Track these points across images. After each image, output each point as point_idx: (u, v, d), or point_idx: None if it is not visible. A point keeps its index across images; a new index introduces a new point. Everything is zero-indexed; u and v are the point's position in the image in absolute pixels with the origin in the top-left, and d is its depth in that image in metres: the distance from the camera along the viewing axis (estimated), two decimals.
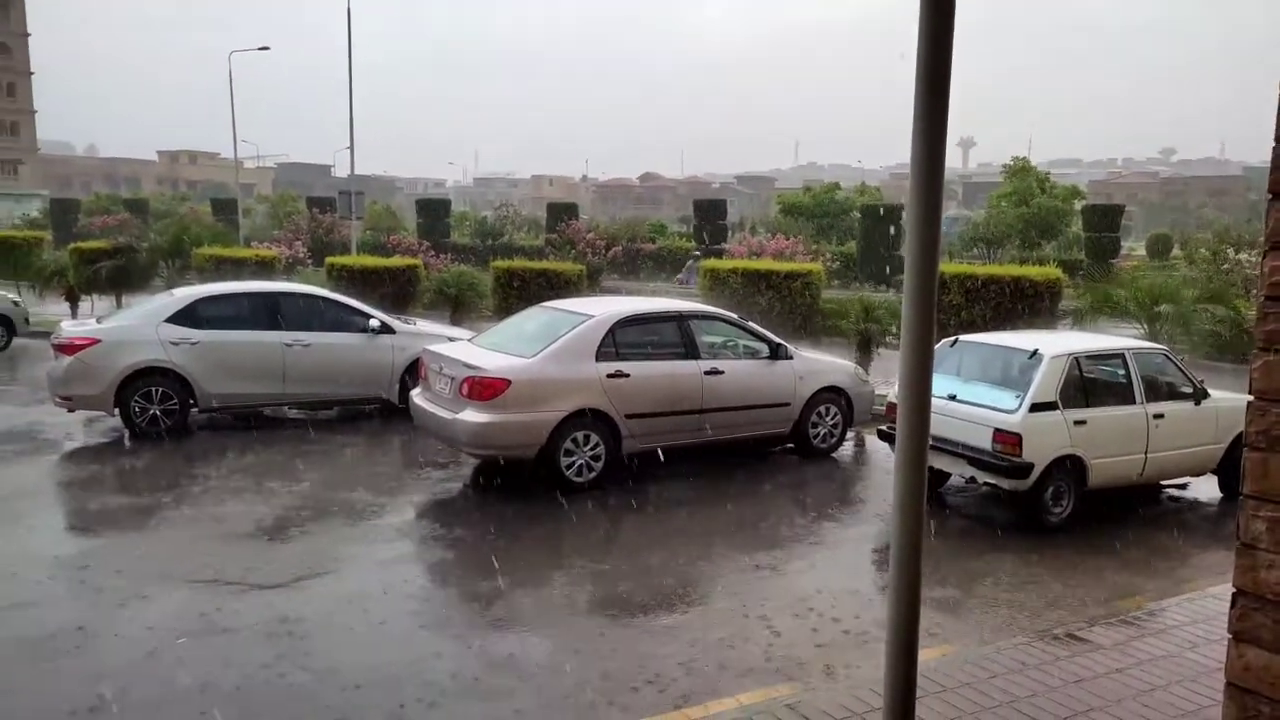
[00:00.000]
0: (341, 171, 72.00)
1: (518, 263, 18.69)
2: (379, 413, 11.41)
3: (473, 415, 7.93)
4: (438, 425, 8.41)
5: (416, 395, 8.97)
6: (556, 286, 16.43)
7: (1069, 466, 7.50)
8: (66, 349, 9.82)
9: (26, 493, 8.19)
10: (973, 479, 7.82)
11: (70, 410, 10.11)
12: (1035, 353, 7.56)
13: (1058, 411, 7.37)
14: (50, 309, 19.22)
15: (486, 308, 17.75)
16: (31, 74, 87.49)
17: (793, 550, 7.10)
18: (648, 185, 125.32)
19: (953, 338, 8.41)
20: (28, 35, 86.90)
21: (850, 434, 10.25)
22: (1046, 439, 7.34)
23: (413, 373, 10.38)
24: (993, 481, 7.59)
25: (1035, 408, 7.30)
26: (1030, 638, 5.37)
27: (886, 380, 11.84)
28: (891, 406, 8.52)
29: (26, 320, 16.76)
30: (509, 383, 7.95)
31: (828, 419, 9.78)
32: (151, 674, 4.83)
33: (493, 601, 5.94)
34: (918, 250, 2.52)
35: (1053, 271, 14.01)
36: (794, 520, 7.97)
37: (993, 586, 6.44)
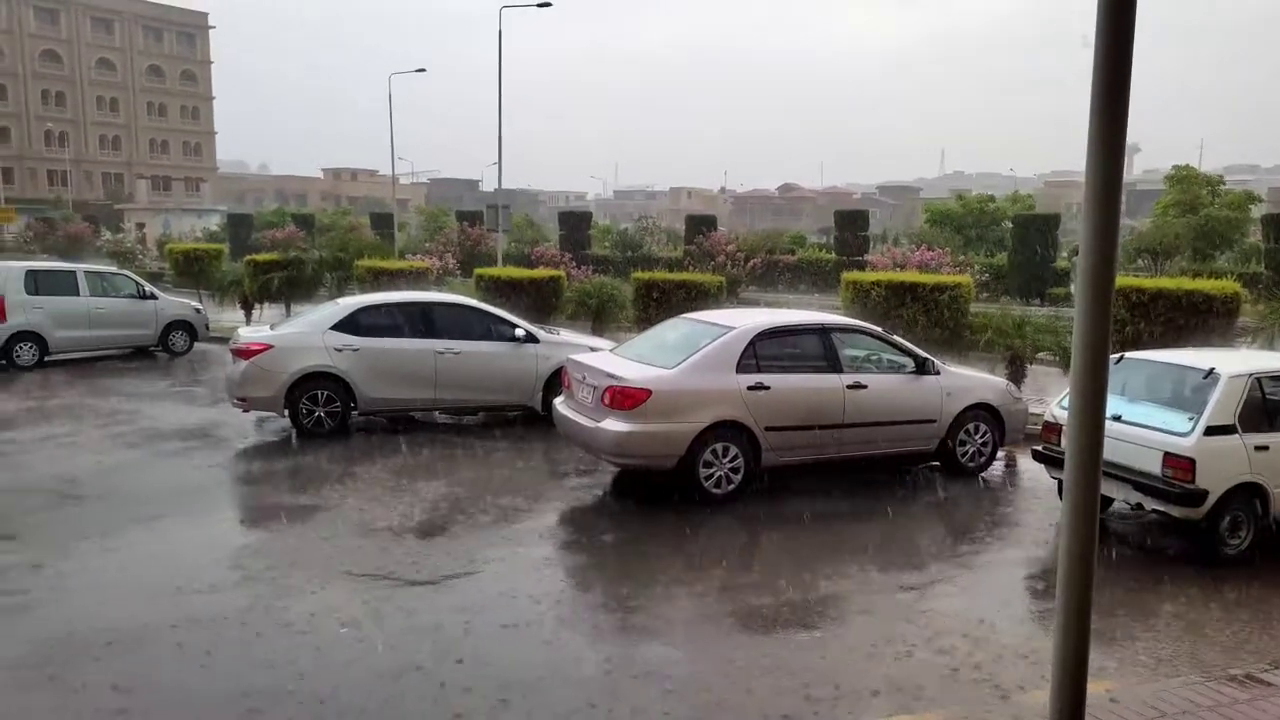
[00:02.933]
0: (489, 186, 74.77)
1: (658, 274, 18.83)
2: (522, 419, 11.75)
3: (614, 424, 8.06)
4: (580, 433, 8.58)
5: (560, 403, 9.19)
6: (696, 298, 16.45)
7: (1248, 495, 6.94)
8: (243, 354, 10.59)
9: (204, 486, 8.86)
10: (1139, 505, 7.35)
11: (245, 410, 10.89)
12: (1211, 371, 7.05)
13: (1236, 435, 6.84)
14: (227, 316, 20.75)
15: (626, 318, 17.97)
16: (213, 98, 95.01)
17: (939, 572, 6.86)
18: (786, 196, 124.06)
19: (1118, 354, 7.93)
20: (210, 63, 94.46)
21: (1001, 454, 9.83)
22: (1223, 465, 6.82)
23: (555, 381, 10.64)
24: (1162, 509, 7.11)
25: (1210, 431, 6.80)
26: (1203, 677, 5.00)
27: (1040, 398, 11.31)
28: (1049, 426, 8.11)
29: (207, 326, 18.17)
30: (650, 393, 8.03)
31: (977, 437, 9.40)
32: (315, 661, 5.13)
33: (633, 609, 6.01)
34: (1093, 263, 2.41)
35: (1230, 285, 12.98)
36: (940, 541, 7.70)
37: (1161, 620, 6.03)
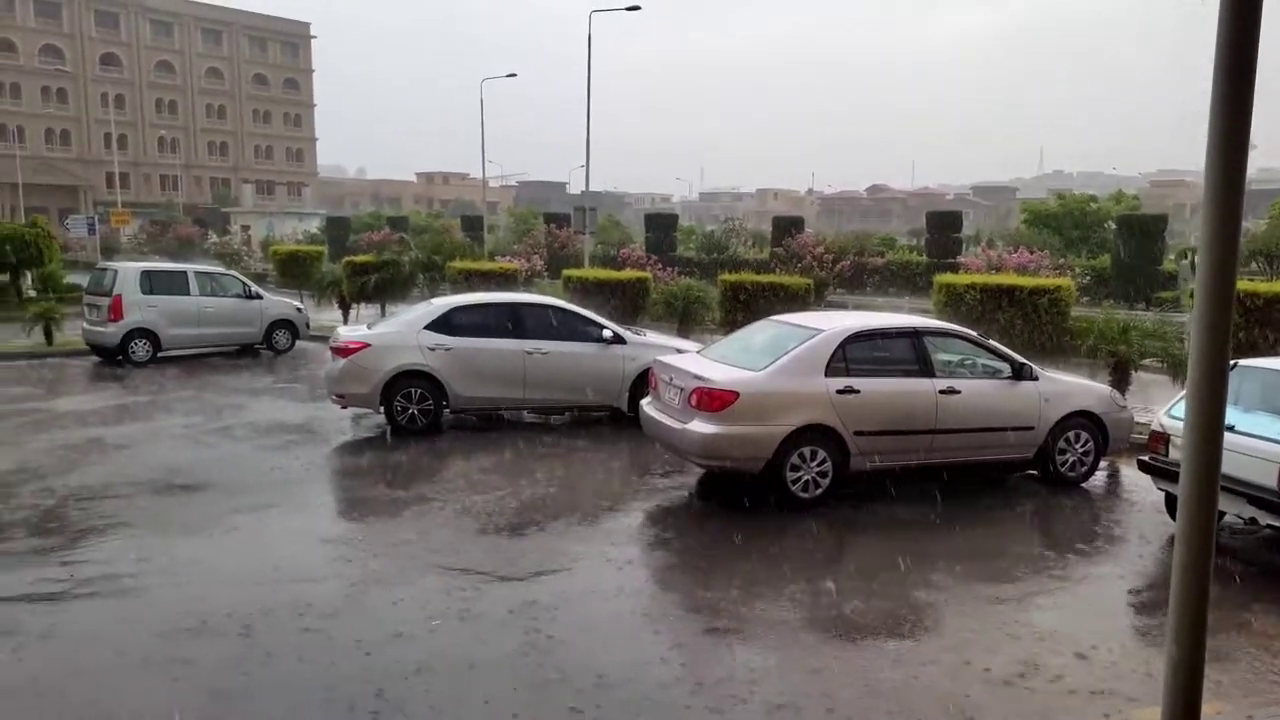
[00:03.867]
0: (576, 188, 75.48)
1: (745, 276, 18.74)
2: (609, 420, 11.84)
3: (701, 426, 8.05)
4: (666, 434, 8.60)
5: (646, 404, 9.23)
6: (783, 300, 16.33)
7: None
8: (342, 352, 10.95)
9: (304, 479, 9.19)
10: (1253, 520, 6.99)
11: (343, 407, 11.27)
12: None
13: None
14: (326, 316, 21.49)
15: (712, 320, 17.94)
16: (314, 105, 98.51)
17: (1035, 584, 6.64)
18: (875, 197, 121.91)
19: (1231, 362, 7.55)
20: (312, 71, 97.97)
21: (1104, 463, 9.47)
22: None
23: (642, 382, 10.69)
24: (1278, 524, 6.74)
25: None
26: None
27: (1146, 407, 10.85)
28: (1156, 436, 7.78)
29: (307, 325, 18.85)
30: (737, 395, 8.00)
31: (1077, 446, 9.07)
32: (405, 651, 5.28)
33: (717, 611, 5.99)
34: (1213, 265, 2.30)
35: None
36: (1038, 553, 7.46)
37: (1274, 641, 5.71)
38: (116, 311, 16.25)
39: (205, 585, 6.26)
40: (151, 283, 16.85)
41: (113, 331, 16.26)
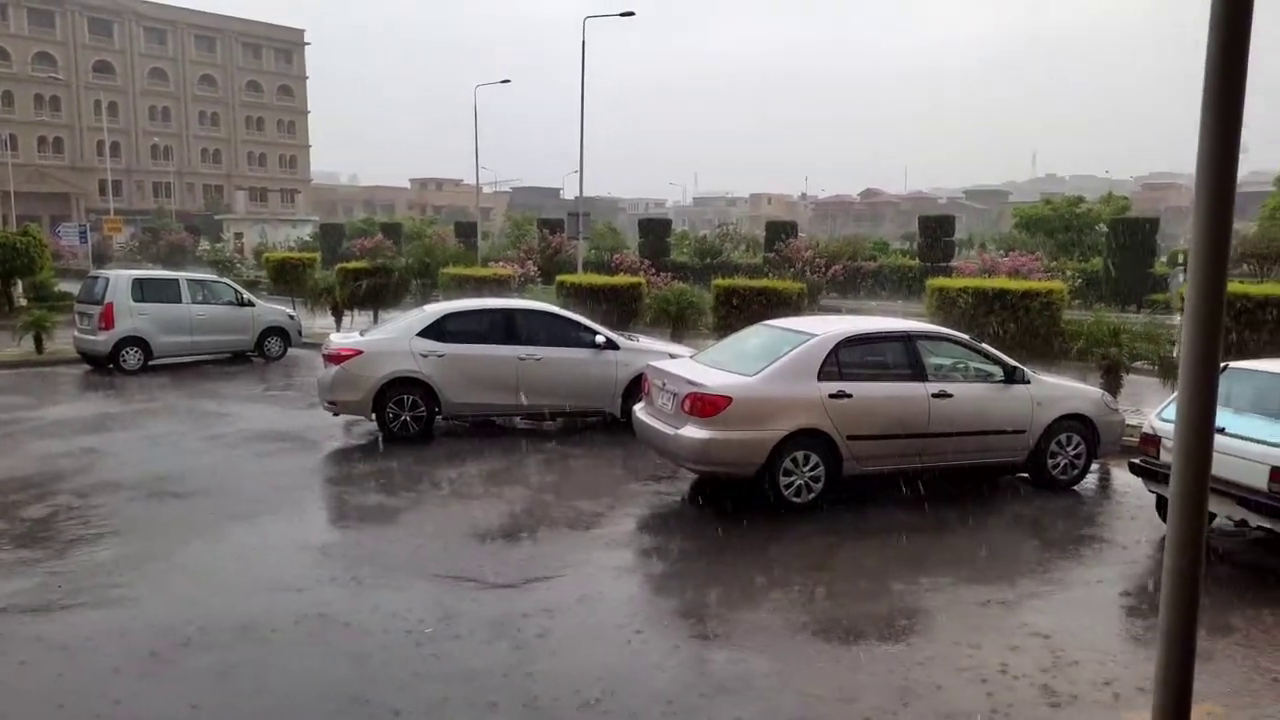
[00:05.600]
0: (570, 194, 75.63)
1: (738, 281, 18.74)
2: (602, 425, 11.83)
3: (694, 431, 8.05)
4: (659, 440, 8.59)
5: (639, 410, 9.22)
6: (776, 305, 16.32)
7: None
8: (334, 359, 10.92)
9: (296, 486, 9.16)
10: (1244, 522, 7.01)
11: (335, 414, 11.24)
12: None
13: None
14: (319, 322, 21.45)
15: (706, 325, 17.94)
16: (308, 112, 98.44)
17: (1026, 587, 6.64)
18: (869, 202, 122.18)
19: (1222, 364, 7.58)
20: (306, 78, 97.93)
21: (1095, 466, 9.48)
22: None
23: (635, 388, 10.68)
24: (1268, 525, 6.76)
25: None
26: None
27: (1137, 409, 10.87)
28: (1146, 438, 7.80)
29: (299, 332, 18.82)
30: (730, 400, 8.00)
31: (1069, 449, 9.09)
32: (397, 659, 5.26)
33: (710, 617, 5.98)
34: (1203, 267, 2.30)
35: None
36: (1029, 555, 7.46)
37: (1263, 642, 5.72)
38: (108, 319, 16.21)
39: (196, 594, 6.23)
40: (143, 290, 16.81)
41: (104, 340, 16.22)
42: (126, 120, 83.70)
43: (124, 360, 16.30)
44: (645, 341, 12.56)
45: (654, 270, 25.65)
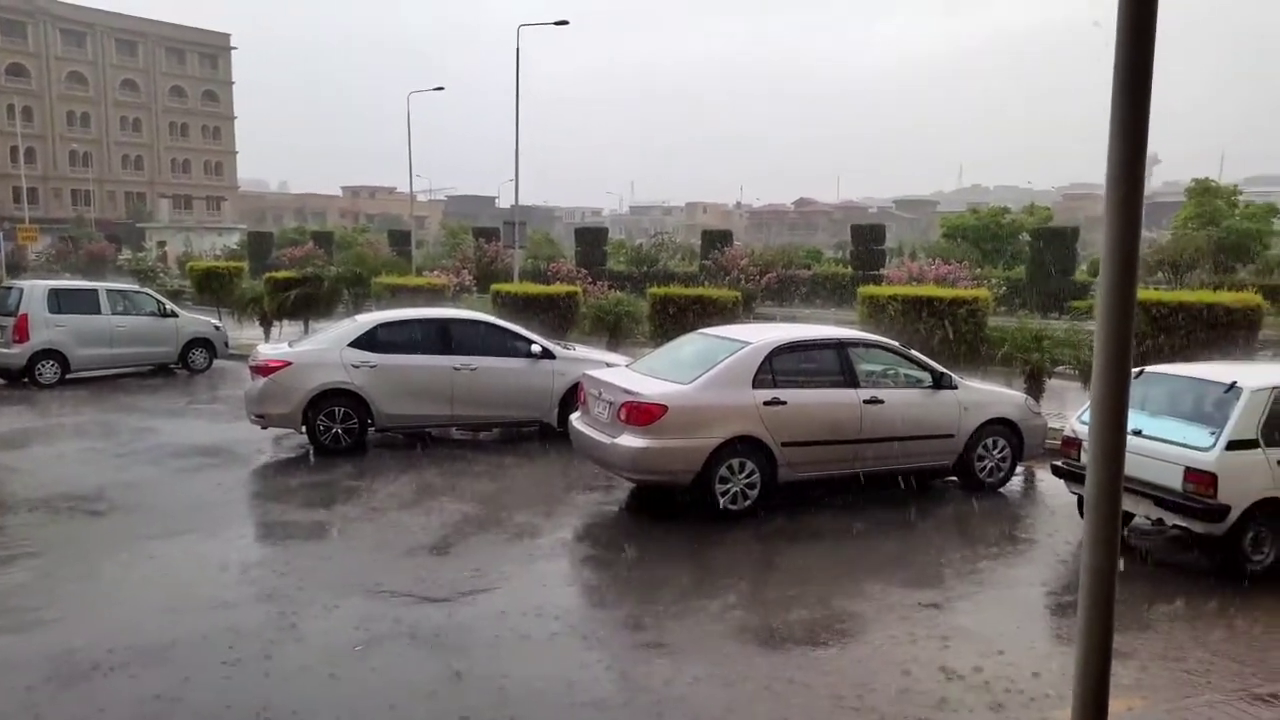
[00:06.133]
0: (505, 202, 75.20)
1: (674, 289, 18.81)
2: (538, 435, 11.76)
3: (630, 440, 8.05)
4: (596, 449, 8.58)
5: (576, 419, 9.19)
6: (711, 313, 16.42)
7: (1272, 510, 6.84)
8: (262, 370, 10.66)
9: (222, 503, 8.90)
10: (1160, 521, 7.27)
11: (264, 427, 10.95)
12: (1233, 385, 6.97)
13: (1259, 450, 6.76)
14: (246, 333, 20.92)
15: (642, 334, 17.98)
16: (234, 118, 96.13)
17: (957, 589, 6.79)
18: (802, 211, 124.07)
19: (1139, 369, 7.87)
20: (232, 83, 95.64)
21: (1020, 469, 9.75)
22: (1245, 480, 6.74)
23: (572, 397, 10.65)
24: (1183, 524, 7.03)
25: (1233, 445, 6.72)
26: (1227, 695, 4.93)
27: (1059, 413, 11.22)
28: (1068, 441, 8.05)
29: (226, 344, 18.32)
30: (666, 408, 8.02)
31: (995, 452, 9.33)
32: (330, 679, 5.14)
33: (647, 625, 5.98)
34: (1114, 275, 2.39)
35: (1252, 297, 12.83)
36: (958, 557, 7.63)
37: (1182, 637, 5.94)
38: (22, 332, 15.57)
39: (114, 615, 6.00)
40: (60, 301, 16.19)
41: (18, 353, 15.57)
42: (42, 125, 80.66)
43: (39, 374, 15.67)
44: (581, 350, 12.54)
45: (590, 279, 25.63)
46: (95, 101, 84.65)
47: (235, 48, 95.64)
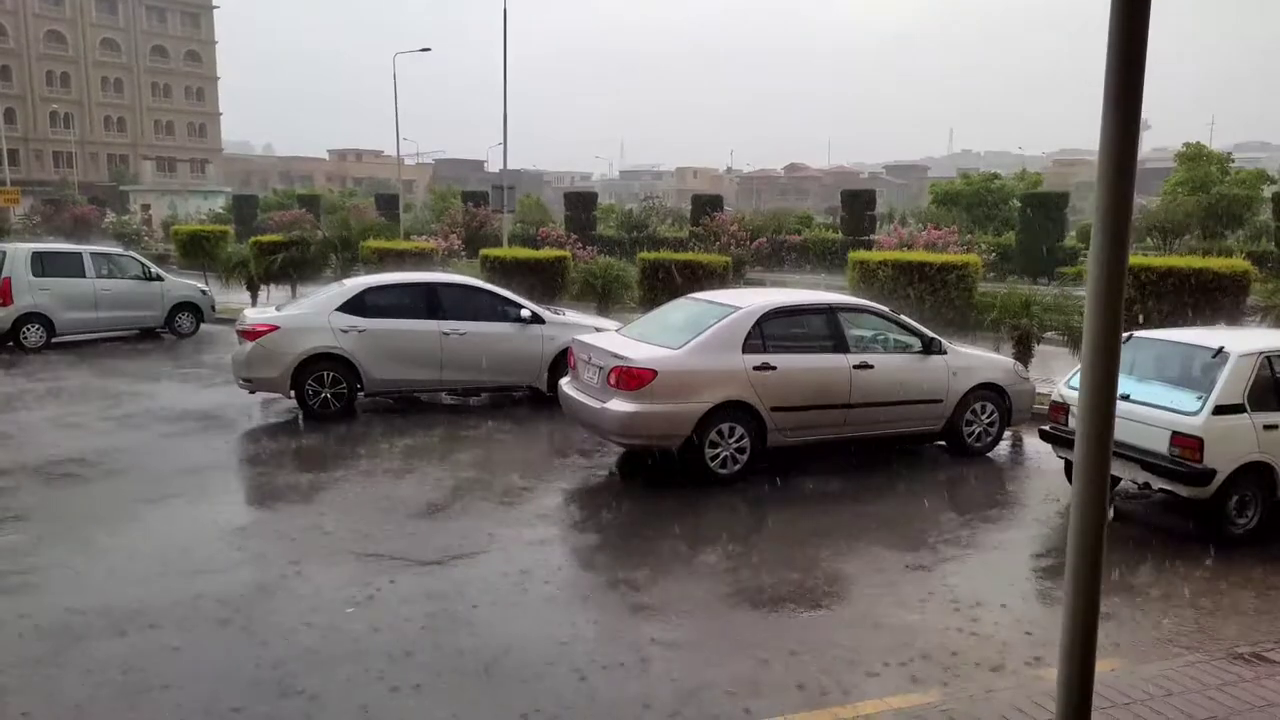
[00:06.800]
0: (494, 166, 74.46)
1: (663, 254, 18.78)
2: (528, 400, 11.76)
3: (620, 405, 8.05)
4: (585, 414, 8.57)
5: (565, 384, 9.18)
6: (701, 278, 16.43)
7: (1257, 475, 6.91)
8: (249, 335, 10.58)
9: (210, 467, 8.88)
10: (1146, 485, 7.33)
11: (251, 392, 10.91)
12: (1220, 350, 7.00)
13: (1245, 415, 6.81)
14: (233, 298, 20.76)
15: (632, 299, 17.95)
16: (217, 79, 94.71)
17: (945, 552, 6.85)
18: (793, 176, 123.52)
19: (1127, 333, 7.89)
20: (215, 43, 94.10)
21: (1007, 433, 9.81)
22: (1231, 444, 6.79)
23: (561, 362, 10.63)
24: (1169, 488, 7.09)
25: (1219, 410, 6.77)
26: (1210, 655, 5.00)
27: (1047, 378, 11.27)
28: (1055, 406, 8.09)
29: (213, 308, 18.18)
30: (655, 373, 8.01)
31: (983, 417, 9.38)
32: (322, 641, 5.16)
33: (637, 588, 6.02)
34: (1105, 240, 2.37)
35: (1240, 263, 12.89)
36: (946, 521, 7.69)
37: (1167, 599, 6.02)
38: (5, 295, 15.42)
39: (103, 579, 6.00)
40: (44, 265, 16.02)
41: (2, 316, 15.43)
42: (21, 85, 79.37)
43: (25, 338, 15.56)
44: (571, 315, 12.50)
45: (580, 244, 25.52)
46: (75, 61, 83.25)
47: (217, 6, 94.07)
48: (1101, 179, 2.43)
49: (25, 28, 79.38)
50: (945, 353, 9.23)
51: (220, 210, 54.63)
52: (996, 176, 46.60)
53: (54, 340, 15.88)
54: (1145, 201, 45.32)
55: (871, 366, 8.77)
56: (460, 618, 5.47)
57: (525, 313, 11.41)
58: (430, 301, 11.23)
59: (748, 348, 8.35)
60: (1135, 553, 6.81)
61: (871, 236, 34.09)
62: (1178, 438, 6.86)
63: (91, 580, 6.00)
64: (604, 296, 18.05)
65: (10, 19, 78.89)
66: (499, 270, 17.95)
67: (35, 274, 15.75)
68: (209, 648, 5.06)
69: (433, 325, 11.01)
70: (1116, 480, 7.70)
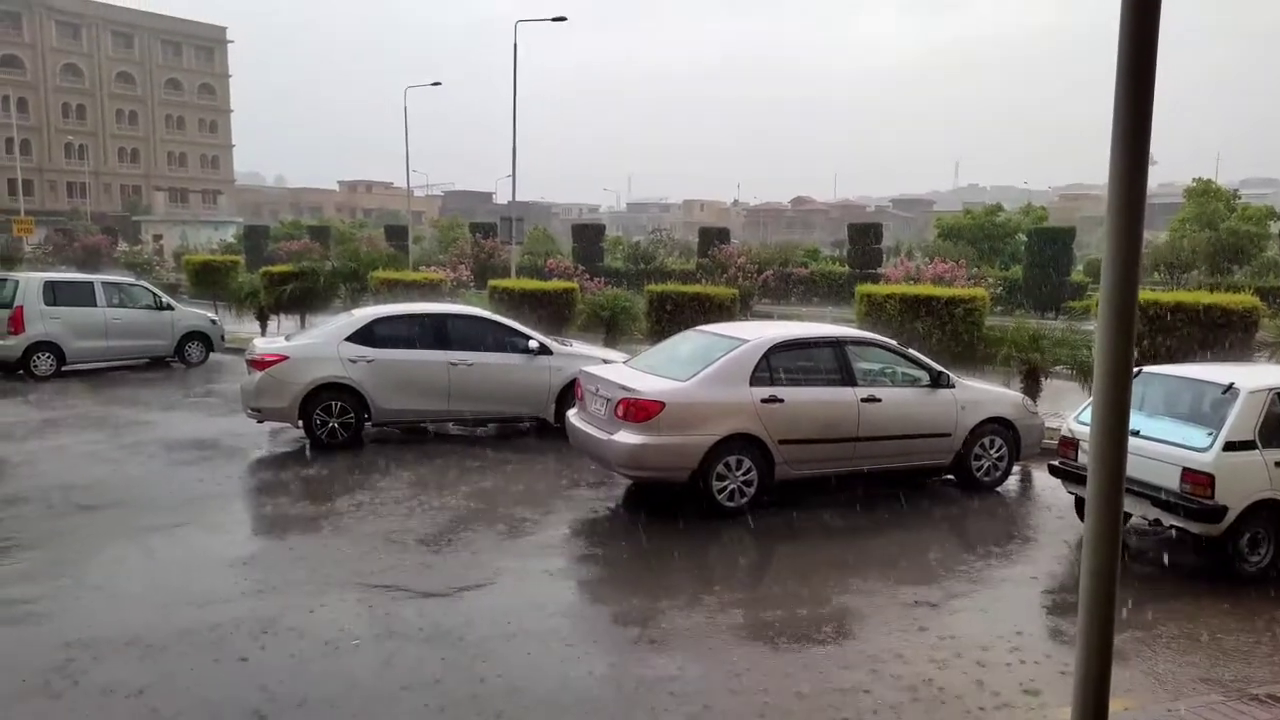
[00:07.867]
0: (502, 198, 75.11)
1: (671, 286, 18.84)
2: (535, 431, 11.75)
3: (627, 436, 8.04)
4: (593, 445, 8.56)
5: (573, 415, 9.18)
6: (708, 310, 16.43)
7: (1269, 512, 6.86)
8: (258, 364, 10.62)
9: (219, 496, 8.88)
10: (1157, 521, 7.28)
11: (260, 421, 10.93)
12: (1231, 386, 6.98)
13: (1256, 451, 6.77)
14: (243, 327, 20.87)
15: (639, 331, 17.97)
16: (230, 111, 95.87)
17: (954, 588, 6.80)
18: (799, 209, 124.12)
19: (1136, 369, 7.87)
20: (228, 76, 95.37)
21: (1016, 468, 9.76)
22: (1242, 481, 6.74)
23: (569, 393, 10.63)
24: (1180, 525, 7.03)
25: (1230, 446, 6.73)
26: (1224, 696, 4.93)
27: (1056, 412, 11.22)
28: (1065, 441, 8.05)
29: (222, 337, 18.28)
30: (663, 405, 8.01)
31: (992, 451, 9.34)
32: (326, 673, 5.12)
33: (644, 622, 5.97)
34: (1116, 276, 2.38)
35: (1248, 299, 12.84)
36: (955, 556, 7.64)
37: (1179, 638, 5.95)
38: (17, 324, 15.53)
39: (107, 609, 5.99)
40: (55, 293, 16.15)
41: (13, 345, 15.52)
42: (38, 117, 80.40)
43: (35, 366, 15.63)
44: (579, 346, 12.52)
45: (587, 275, 25.63)
46: (91, 94, 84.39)
47: (231, 41, 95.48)
48: (1111, 215, 2.45)
49: (43, 61, 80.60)
50: (953, 386, 9.22)
51: (231, 240, 55.10)
52: (1000, 209, 46.76)
53: (64, 369, 15.95)
54: (1152, 237, 45.39)
55: (879, 400, 8.76)
56: (466, 650, 5.43)
57: (533, 344, 11.44)
58: (438, 332, 11.28)
59: (755, 380, 8.35)
60: (1146, 590, 6.73)
61: (878, 270, 34.17)
62: (1188, 474, 6.82)
63: (93, 611, 5.97)
64: (611, 328, 18.08)
65: (29, 52, 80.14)
66: (507, 301, 18.01)
67: (47, 303, 15.87)
68: (207, 682, 5.03)
69: (441, 356, 11.04)
70: (1127, 516, 7.64)
